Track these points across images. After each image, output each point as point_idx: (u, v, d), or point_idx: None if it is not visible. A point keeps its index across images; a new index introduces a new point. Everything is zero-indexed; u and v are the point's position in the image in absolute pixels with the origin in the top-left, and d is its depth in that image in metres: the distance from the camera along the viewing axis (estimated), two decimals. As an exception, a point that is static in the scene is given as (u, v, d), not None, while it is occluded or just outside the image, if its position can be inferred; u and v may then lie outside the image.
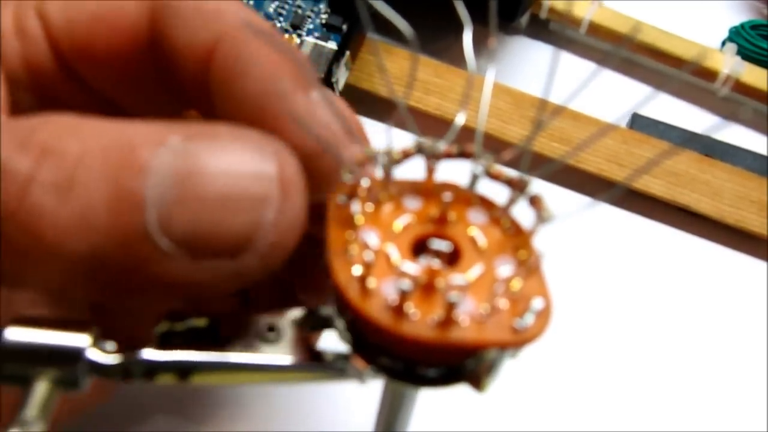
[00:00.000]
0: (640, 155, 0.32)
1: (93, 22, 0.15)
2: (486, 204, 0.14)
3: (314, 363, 0.13)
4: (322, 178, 0.14)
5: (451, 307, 0.11)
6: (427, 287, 0.12)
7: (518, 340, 0.12)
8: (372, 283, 0.12)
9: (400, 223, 0.13)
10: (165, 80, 0.16)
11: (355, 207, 0.12)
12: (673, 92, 0.36)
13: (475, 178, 0.13)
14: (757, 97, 0.35)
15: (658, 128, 0.33)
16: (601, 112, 0.33)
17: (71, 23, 0.15)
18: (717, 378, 0.28)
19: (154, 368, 0.13)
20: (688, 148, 0.33)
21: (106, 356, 0.13)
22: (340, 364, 0.13)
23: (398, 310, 0.12)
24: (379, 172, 0.13)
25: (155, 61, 0.15)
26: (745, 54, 0.35)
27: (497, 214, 0.13)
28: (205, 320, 0.14)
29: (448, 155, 0.13)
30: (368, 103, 0.33)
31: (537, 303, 0.12)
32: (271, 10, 0.33)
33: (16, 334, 0.12)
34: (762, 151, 0.33)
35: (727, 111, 0.35)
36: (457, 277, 0.11)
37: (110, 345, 0.13)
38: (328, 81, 0.31)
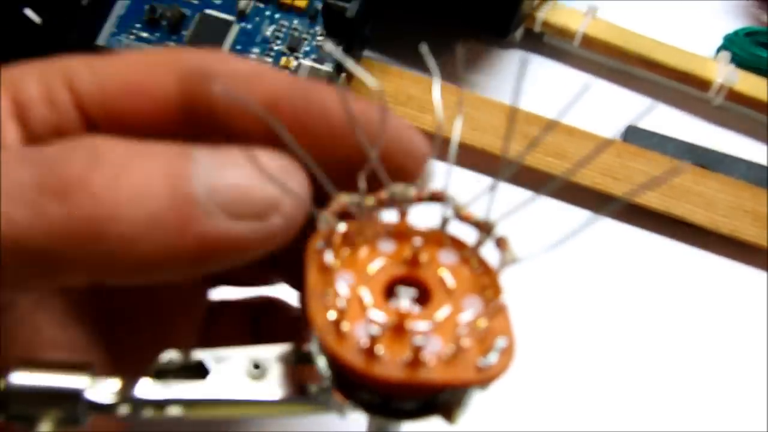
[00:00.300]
0: (634, 168, 0.32)
1: (124, 91, 0.16)
2: (457, 244, 0.14)
3: (298, 396, 0.14)
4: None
5: (417, 349, 0.12)
6: (397, 329, 0.13)
7: (482, 379, 0.12)
8: (345, 326, 0.13)
9: (374, 266, 0.14)
10: (197, 136, 0.16)
11: (329, 256, 0.13)
12: (667, 102, 0.36)
13: (445, 221, 0.14)
14: (752, 106, 0.35)
15: (652, 140, 0.34)
16: (595, 124, 0.34)
17: (102, 92, 0.16)
18: (716, 386, 0.29)
19: (148, 404, 0.14)
20: (682, 159, 0.33)
21: (104, 396, 0.14)
22: (322, 398, 0.14)
23: (370, 353, 0.12)
24: (357, 216, 0.14)
25: (187, 122, 0.16)
26: (740, 62, 0.36)
27: (467, 254, 0.14)
28: (197, 357, 0.15)
29: (419, 199, 0.14)
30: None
31: (501, 341, 0.13)
32: (268, 33, 0.33)
33: (22, 378, 0.13)
34: (757, 159, 0.34)
35: (722, 120, 0.36)
36: (421, 324, 0.12)
37: (107, 385, 0.14)
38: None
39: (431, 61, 0.14)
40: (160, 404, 0.14)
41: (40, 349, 0.17)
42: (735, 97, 0.35)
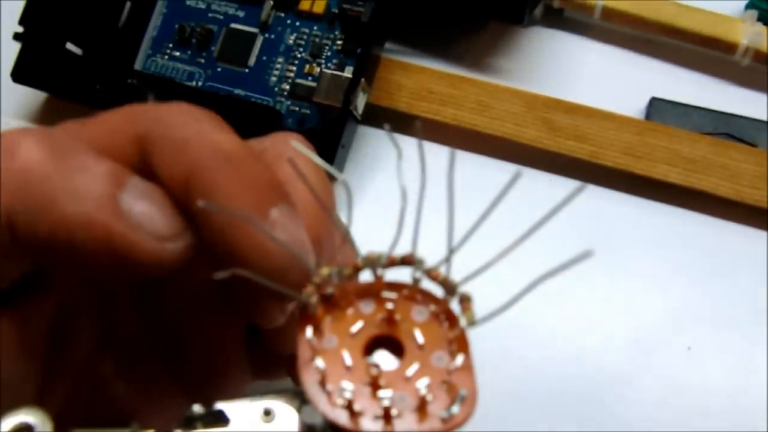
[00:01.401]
0: (655, 145, 0.33)
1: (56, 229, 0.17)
2: (428, 298, 0.16)
3: (305, 437, 0.17)
4: (289, 285, 0.16)
5: (389, 405, 0.14)
6: (373, 386, 0.15)
7: (446, 428, 0.14)
8: (330, 387, 0.15)
9: (354, 328, 0.16)
10: None
11: (309, 331, 0.15)
12: (693, 69, 0.36)
13: (416, 281, 0.16)
14: (780, 65, 0.34)
15: (677, 110, 0.34)
16: (618, 98, 0.34)
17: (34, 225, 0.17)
18: (744, 363, 0.29)
19: (181, 449, 0.17)
20: (708, 130, 0.33)
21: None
22: (326, 435, 0.17)
23: (350, 409, 0.15)
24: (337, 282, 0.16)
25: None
26: (766, 19, 0.35)
27: (437, 309, 0.16)
28: (217, 407, 0.17)
29: (392, 264, 0.16)
30: (391, 119, 0.35)
31: (462, 392, 0.15)
32: (291, 41, 0.35)
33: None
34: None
35: (750, 82, 0.35)
36: (384, 391, 0.14)
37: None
38: (346, 108, 0.33)
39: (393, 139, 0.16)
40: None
41: (103, 385, 0.20)
42: (762, 57, 0.34)
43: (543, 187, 0.33)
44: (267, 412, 0.17)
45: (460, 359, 0.15)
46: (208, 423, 0.17)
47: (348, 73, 0.34)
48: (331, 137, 0.33)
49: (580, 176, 0.33)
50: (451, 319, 0.16)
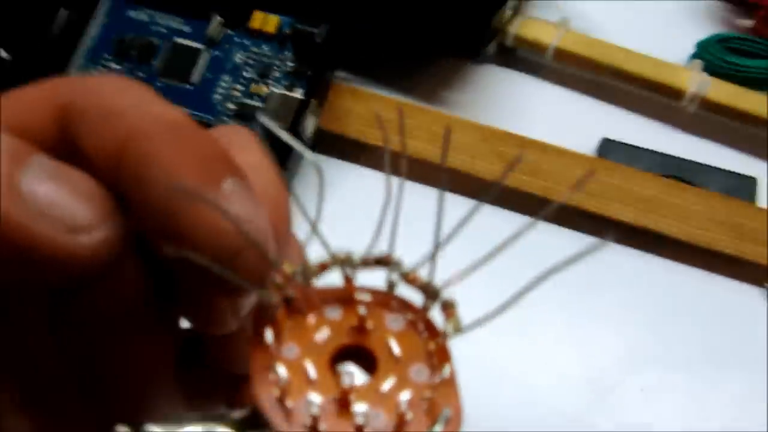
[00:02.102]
0: (609, 183, 0.32)
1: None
2: (404, 306, 0.14)
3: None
4: (245, 274, 0.13)
5: (361, 426, 0.12)
6: (341, 403, 0.13)
7: (427, 452, 0.12)
8: (290, 403, 0.13)
9: (319, 336, 0.14)
10: None
11: (268, 334, 0.13)
12: (642, 113, 0.36)
13: (392, 285, 0.14)
14: (726, 114, 0.35)
15: (627, 152, 0.34)
16: (570, 138, 0.34)
17: None
18: (694, 404, 0.29)
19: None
20: (658, 172, 0.33)
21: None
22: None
23: (314, 430, 0.12)
24: (299, 284, 0.14)
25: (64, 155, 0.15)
26: (713, 70, 0.35)
27: (414, 318, 0.14)
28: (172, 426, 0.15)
29: (365, 263, 0.14)
30: (339, 145, 0.34)
31: (446, 412, 0.13)
32: (239, 60, 0.33)
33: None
34: (733, 167, 0.34)
35: (697, 129, 0.36)
36: (360, 405, 0.12)
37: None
38: (294, 130, 0.32)
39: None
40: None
41: (3, 414, 0.17)
42: (709, 105, 0.35)
43: (496, 222, 0.32)
44: (213, 436, 0.14)
45: (445, 372, 0.13)
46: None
47: (298, 94, 0.32)
48: (275, 161, 0.31)
49: (532, 212, 0.32)
50: (431, 330, 0.14)
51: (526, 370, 0.29)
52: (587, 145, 0.34)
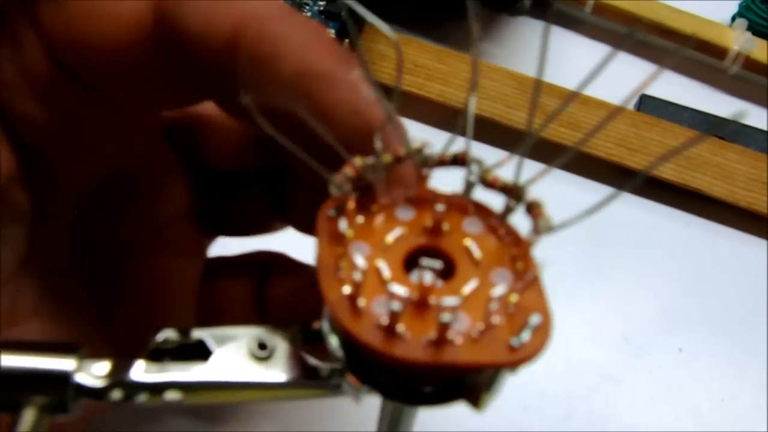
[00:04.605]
0: (649, 138, 0.31)
1: (88, 18, 0.14)
2: (482, 211, 0.13)
3: (308, 380, 0.13)
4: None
5: (444, 327, 0.11)
6: (419, 304, 0.12)
7: (515, 360, 0.11)
8: (362, 302, 0.11)
9: (392, 236, 0.12)
10: (176, 72, 0.15)
11: (343, 224, 0.12)
12: (682, 72, 0.35)
13: (469, 186, 0.13)
14: (769, 74, 0.33)
15: (667, 110, 0.33)
16: (608, 94, 0.32)
17: (65, 22, 0.14)
18: (731, 367, 0.28)
19: (144, 389, 0.13)
20: (698, 130, 0.32)
21: (93, 379, 0.13)
22: (335, 380, 0.13)
23: (390, 331, 0.11)
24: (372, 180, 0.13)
25: (164, 53, 0.14)
26: (756, 29, 0.34)
27: (494, 223, 0.13)
28: (196, 337, 0.13)
29: (441, 162, 0.13)
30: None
31: (535, 318, 0.11)
32: (267, -2, 0.32)
33: (3, 360, 0.12)
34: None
35: (738, 90, 0.34)
36: (450, 298, 0.11)
37: (97, 367, 0.13)
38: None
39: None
40: (157, 388, 0.13)
41: (20, 317, 0.16)
42: (751, 65, 0.33)
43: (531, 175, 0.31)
44: (261, 346, 0.13)
45: (529, 277, 0.12)
46: (181, 356, 0.13)
47: (330, 34, 0.31)
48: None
49: (570, 167, 0.31)
50: (512, 234, 0.13)
51: (562, 327, 0.28)
52: (626, 103, 0.33)
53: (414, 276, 0.12)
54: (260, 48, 0.13)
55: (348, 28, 0.30)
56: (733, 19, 0.35)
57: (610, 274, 0.29)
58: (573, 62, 0.34)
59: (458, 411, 0.13)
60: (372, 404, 0.14)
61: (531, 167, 0.32)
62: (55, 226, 0.16)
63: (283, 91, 0.13)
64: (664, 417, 0.26)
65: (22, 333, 0.16)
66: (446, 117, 0.31)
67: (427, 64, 0.32)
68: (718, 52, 0.34)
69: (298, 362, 0.13)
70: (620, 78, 0.34)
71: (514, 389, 0.25)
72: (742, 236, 0.30)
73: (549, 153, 0.30)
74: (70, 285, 0.17)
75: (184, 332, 0.13)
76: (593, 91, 0.32)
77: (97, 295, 0.17)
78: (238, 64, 0.14)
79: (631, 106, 0.33)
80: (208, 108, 0.17)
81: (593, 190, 0.31)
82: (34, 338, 0.16)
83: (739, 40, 0.34)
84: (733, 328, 0.28)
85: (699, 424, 0.26)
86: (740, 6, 0.35)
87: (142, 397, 0.13)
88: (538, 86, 0.11)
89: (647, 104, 0.33)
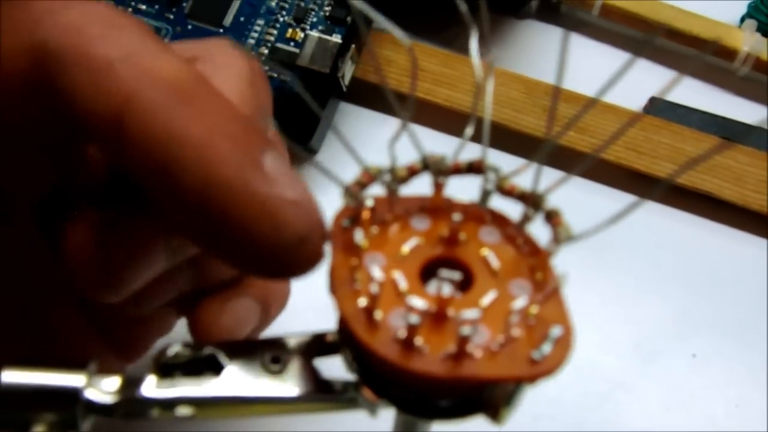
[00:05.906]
0: (658, 141, 0.31)
1: None
2: (499, 220, 0.13)
3: (322, 394, 0.13)
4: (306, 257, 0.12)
5: (463, 340, 0.11)
6: (437, 317, 0.11)
7: (536, 373, 0.11)
8: (378, 315, 0.11)
9: (407, 246, 0.12)
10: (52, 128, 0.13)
11: (358, 235, 0.12)
12: (691, 73, 0.35)
13: (486, 194, 0.12)
14: (779, 76, 0.33)
15: (676, 112, 0.32)
16: (616, 96, 0.32)
17: None
18: (747, 372, 0.27)
19: (155, 405, 0.12)
20: (708, 132, 0.32)
21: (104, 395, 0.12)
22: (349, 394, 0.13)
23: (407, 344, 0.11)
24: (383, 191, 0.12)
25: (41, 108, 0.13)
26: (765, 30, 0.34)
27: (511, 232, 0.13)
28: (208, 351, 0.13)
29: (457, 170, 0.12)
30: (377, 96, 0.32)
31: (555, 331, 0.11)
32: (273, 4, 0.32)
33: (12, 376, 0.12)
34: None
35: (748, 91, 0.34)
36: (470, 311, 0.11)
37: (107, 383, 0.12)
38: (333, 76, 0.30)
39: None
40: (168, 404, 0.13)
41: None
42: (761, 66, 0.33)
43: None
44: (274, 360, 0.13)
45: (548, 288, 0.11)
46: (192, 371, 0.13)
47: (337, 39, 0.30)
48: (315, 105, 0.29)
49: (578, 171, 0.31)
50: (530, 244, 0.12)
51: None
52: (634, 106, 0.33)
53: (431, 287, 0.12)
54: (146, 148, 0.11)
55: (360, 30, 0.30)
56: (742, 20, 0.35)
57: (619, 278, 0.29)
58: (579, 64, 0.34)
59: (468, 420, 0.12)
60: (383, 414, 0.14)
61: (542, 172, 0.31)
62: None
63: (183, 205, 0.11)
64: (677, 424, 0.26)
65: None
66: (453, 122, 0.31)
67: (433, 69, 0.32)
68: (728, 53, 0.33)
69: (311, 376, 0.13)
70: (627, 80, 0.34)
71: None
72: (753, 239, 0.30)
73: (557, 157, 0.30)
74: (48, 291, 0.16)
75: (196, 346, 0.13)
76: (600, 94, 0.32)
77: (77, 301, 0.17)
78: (127, 165, 0.12)
79: (639, 107, 0.33)
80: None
81: (601, 194, 0.31)
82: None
83: (749, 41, 0.33)
84: (748, 333, 0.28)
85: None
86: (749, 7, 0.35)
87: (154, 413, 0.12)
88: (556, 94, 0.11)
89: (656, 107, 0.33)
